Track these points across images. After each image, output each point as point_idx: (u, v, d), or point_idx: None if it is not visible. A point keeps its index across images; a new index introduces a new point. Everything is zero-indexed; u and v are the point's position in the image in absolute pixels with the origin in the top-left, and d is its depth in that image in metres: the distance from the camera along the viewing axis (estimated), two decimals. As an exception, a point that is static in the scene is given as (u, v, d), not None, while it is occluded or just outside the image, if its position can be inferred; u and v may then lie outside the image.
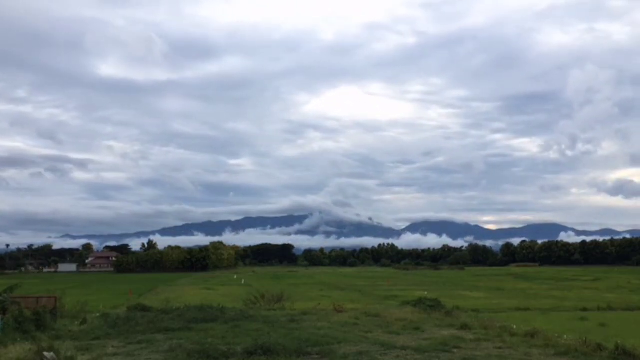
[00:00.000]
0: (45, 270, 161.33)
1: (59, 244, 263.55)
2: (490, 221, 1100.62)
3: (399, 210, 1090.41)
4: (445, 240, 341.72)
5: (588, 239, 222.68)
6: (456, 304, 38.96)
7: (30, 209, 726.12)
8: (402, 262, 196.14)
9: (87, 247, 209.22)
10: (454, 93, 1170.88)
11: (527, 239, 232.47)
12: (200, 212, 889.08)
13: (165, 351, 17.97)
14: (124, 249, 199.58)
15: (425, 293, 49.29)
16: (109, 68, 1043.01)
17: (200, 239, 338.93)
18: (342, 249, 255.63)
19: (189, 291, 63.26)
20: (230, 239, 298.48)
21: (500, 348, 18.96)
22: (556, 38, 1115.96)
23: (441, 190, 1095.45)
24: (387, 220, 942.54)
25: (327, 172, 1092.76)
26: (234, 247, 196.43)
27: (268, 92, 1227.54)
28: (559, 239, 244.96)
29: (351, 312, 31.32)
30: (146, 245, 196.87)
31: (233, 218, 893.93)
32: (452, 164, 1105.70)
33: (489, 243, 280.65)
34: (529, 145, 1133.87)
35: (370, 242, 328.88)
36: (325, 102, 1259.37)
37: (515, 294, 58.05)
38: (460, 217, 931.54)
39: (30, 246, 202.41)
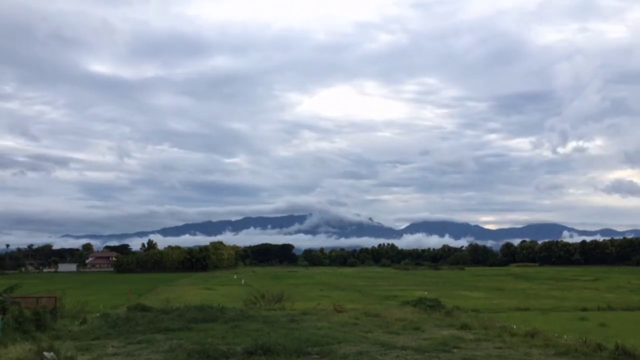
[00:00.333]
0: (45, 270, 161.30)
1: (59, 244, 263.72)
2: (490, 221, 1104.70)
3: (399, 210, 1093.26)
4: (445, 240, 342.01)
5: (588, 239, 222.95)
6: (456, 304, 38.95)
7: (28, 209, 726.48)
8: (402, 262, 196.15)
9: (87, 247, 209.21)
10: (449, 93, 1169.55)
11: (527, 239, 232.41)
12: (200, 212, 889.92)
13: (165, 351, 17.96)
14: (124, 249, 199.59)
15: (425, 293, 49.28)
16: (98, 64, 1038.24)
17: (200, 239, 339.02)
18: (342, 249, 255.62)
19: (189, 291, 63.25)
20: (230, 239, 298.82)
21: (500, 348, 18.95)
22: (549, 37, 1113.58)
23: (441, 190, 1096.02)
24: (387, 220, 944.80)
25: (325, 172, 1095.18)
26: (234, 247, 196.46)
27: (260, 90, 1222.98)
28: (562, 238, 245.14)
29: (351, 312, 31.31)
30: (146, 245, 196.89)
31: (233, 218, 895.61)
32: (450, 164, 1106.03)
33: (489, 243, 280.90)
34: (527, 145, 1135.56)
35: (370, 242, 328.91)
36: (319, 101, 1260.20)
37: (515, 294, 58.05)
38: (460, 217, 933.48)
39: (30, 246, 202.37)
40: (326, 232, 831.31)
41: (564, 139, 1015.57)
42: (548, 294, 57.92)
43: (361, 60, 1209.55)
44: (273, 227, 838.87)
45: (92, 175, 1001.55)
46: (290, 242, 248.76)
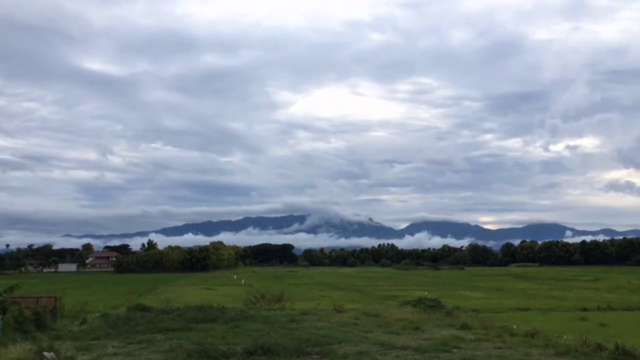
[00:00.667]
0: (45, 270, 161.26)
1: (59, 244, 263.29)
2: (490, 221, 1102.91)
3: (399, 210, 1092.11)
4: (445, 240, 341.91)
5: (588, 239, 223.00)
6: (456, 304, 38.97)
7: (27, 208, 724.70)
8: (402, 262, 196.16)
9: (87, 247, 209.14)
10: (444, 92, 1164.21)
11: (527, 239, 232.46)
12: (200, 212, 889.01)
13: (165, 351, 17.96)
14: (124, 249, 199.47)
15: (425, 293, 49.30)
16: (87, 61, 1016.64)
17: (200, 239, 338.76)
18: (342, 249, 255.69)
19: (189, 291, 63.26)
20: (230, 239, 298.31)
21: (500, 348, 18.95)
22: (544, 36, 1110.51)
23: (441, 190, 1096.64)
24: (387, 220, 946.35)
25: (324, 172, 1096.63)
26: (234, 247, 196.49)
27: (253, 89, 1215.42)
28: (565, 238, 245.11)
29: (351, 312, 31.31)
30: (146, 245, 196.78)
31: (233, 218, 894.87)
32: (448, 164, 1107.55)
33: (488, 243, 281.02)
34: (527, 145, 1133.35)
35: (370, 242, 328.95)
36: (313, 101, 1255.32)
37: (515, 294, 58.06)
38: (460, 217, 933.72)
39: (30, 246, 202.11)
40: (326, 232, 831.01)
41: (563, 138, 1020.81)
42: (548, 294, 57.93)
43: (354, 59, 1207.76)
44: (273, 227, 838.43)
45: (90, 175, 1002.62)
46: (290, 242, 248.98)
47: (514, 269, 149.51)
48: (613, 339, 18.98)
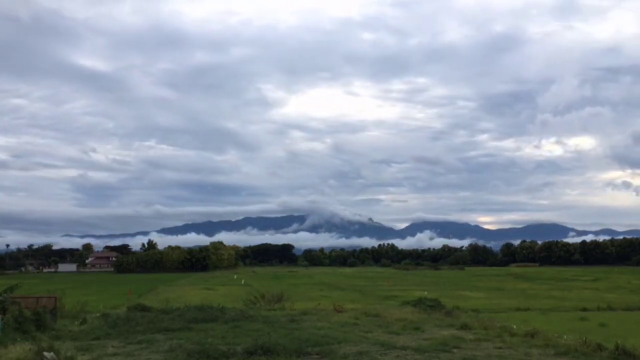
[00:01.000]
0: (45, 270, 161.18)
1: (59, 244, 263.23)
2: (490, 221, 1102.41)
3: (399, 210, 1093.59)
4: (446, 240, 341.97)
5: (588, 239, 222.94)
6: (456, 304, 39.01)
7: (25, 208, 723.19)
8: (402, 262, 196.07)
9: (87, 247, 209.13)
10: (438, 92, 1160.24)
11: (527, 239, 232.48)
12: (200, 212, 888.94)
13: (165, 351, 17.96)
14: (124, 249, 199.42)
15: (425, 293, 49.32)
16: (78, 56, 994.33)
17: (200, 239, 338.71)
18: (342, 249, 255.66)
19: (189, 291, 63.27)
20: (230, 239, 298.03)
21: (500, 348, 18.95)
22: (537, 35, 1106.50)
23: (440, 191, 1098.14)
24: (387, 220, 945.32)
25: (324, 172, 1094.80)
26: (234, 247, 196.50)
27: (246, 88, 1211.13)
28: (567, 238, 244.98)
29: (351, 312, 31.32)
30: (146, 245, 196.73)
31: (233, 218, 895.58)
32: (446, 164, 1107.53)
33: (488, 243, 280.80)
34: (524, 145, 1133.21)
35: (370, 242, 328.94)
36: (307, 101, 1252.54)
37: (515, 294, 58.07)
38: (460, 217, 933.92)
39: (30, 246, 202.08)
40: (326, 232, 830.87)
41: (561, 138, 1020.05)
42: (548, 294, 57.94)
43: (346, 58, 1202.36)
44: (273, 227, 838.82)
45: (87, 175, 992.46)
46: (290, 242, 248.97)
47: (514, 269, 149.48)
48: (613, 339, 18.98)
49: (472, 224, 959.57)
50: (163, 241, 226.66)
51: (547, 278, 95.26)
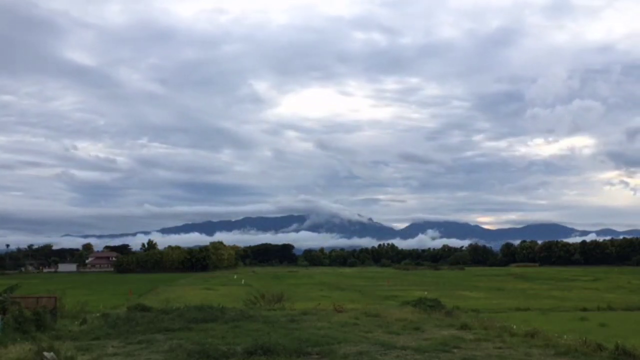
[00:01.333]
0: (45, 270, 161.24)
1: (59, 244, 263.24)
2: (490, 221, 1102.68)
3: (398, 210, 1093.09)
4: (446, 240, 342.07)
5: (588, 239, 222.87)
6: (456, 304, 39.02)
7: (26, 208, 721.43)
8: (402, 262, 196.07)
9: (87, 247, 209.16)
10: (433, 91, 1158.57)
11: (527, 239, 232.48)
12: (200, 212, 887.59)
13: (165, 351, 17.96)
14: (124, 249, 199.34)
15: (425, 293, 49.35)
16: (67, 51, 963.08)
17: (200, 239, 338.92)
18: (342, 249, 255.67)
19: (189, 291, 63.30)
20: (230, 238, 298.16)
21: (500, 348, 18.95)
22: (532, 34, 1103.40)
23: (440, 191, 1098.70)
24: (387, 220, 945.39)
25: (321, 173, 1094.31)
26: (234, 247, 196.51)
27: (240, 86, 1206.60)
28: (563, 238, 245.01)
29: (351, 312, 31.32)
30: (146, 245, 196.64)
31: (233, 218, 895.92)
32: (445, 164, 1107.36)
33: (488, 243, 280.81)
34: (523, 145, 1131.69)
35: (371, 242, 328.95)
36: (300, 101, 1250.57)
37: (515, 294, 58.08)
38: (460, 218, 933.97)
39: (30, 246, 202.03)
40: (326, 232, 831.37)
41: (560, 137, 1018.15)
42: (548, 294, 57.95)
43: (339, 58, 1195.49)
44: (273, 227, 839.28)
45: (84, 174, 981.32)
46: (290, 242, 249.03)
47: (514, 269, 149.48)
48: (613, 339, 18.99)
49: (472, 224, 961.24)
50: (163, 241, 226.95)
51: (547, 278, 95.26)
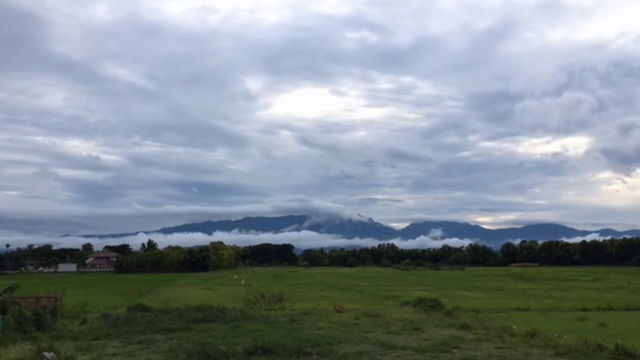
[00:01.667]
0: (45, 270, 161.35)
1: (59, 244, 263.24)
2: (490, 221, 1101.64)
3: (399, 210, 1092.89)
4: (446, 240, 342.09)
5: (588, 239, 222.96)
6: (456, 304, 38.98)
7: (27, 208, 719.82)
8: (402, 262, 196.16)
9: (87, 247, 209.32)
10: (428, 91, 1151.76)
11: (527, 239, 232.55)
12: (200, 212, 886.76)
13: (165, 351, 17.97)
14: (124, 249, 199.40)
15: (425, 293, 49.34)
16: (54, 45, 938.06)
17: (200, 239, 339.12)
18: (342, 249, 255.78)
19: (189, 291, 63.28)
20: (230, 239, 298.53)
21: (500, 348, 18.96)
22: (526, 33, 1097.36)
23: (438, 191, 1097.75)
24: (387, 220, 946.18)
25: (320, 173, 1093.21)
26: (234, 247, 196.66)
27: (234, 84, 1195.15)
28: (563, 238, 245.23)
29: (351, 312, 31.34)
30: (146, 245, 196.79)
31: (233, 218, 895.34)
32: (444, 164, 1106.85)
33: (488, 243, 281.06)
34: (526, 145, 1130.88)
35: (372, 242, 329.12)
36: (296, 102, 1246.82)
37: (515, 294, 58.03)
38: (460, 218, 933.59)
39: (30, 246, 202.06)
40: (326, 233, 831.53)
41: (559, 137, 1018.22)
42: (548, 294, 57.90)
43: (332, 58, 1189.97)
44: (273, 227, 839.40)
45: (81, 173, 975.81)
46: (290, 242, 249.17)
47: (514, 269, 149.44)
48: (613, 339, 19.00)
49: (472, 224, 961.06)
50: (163, 241, 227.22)
51: (547, 278, 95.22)
